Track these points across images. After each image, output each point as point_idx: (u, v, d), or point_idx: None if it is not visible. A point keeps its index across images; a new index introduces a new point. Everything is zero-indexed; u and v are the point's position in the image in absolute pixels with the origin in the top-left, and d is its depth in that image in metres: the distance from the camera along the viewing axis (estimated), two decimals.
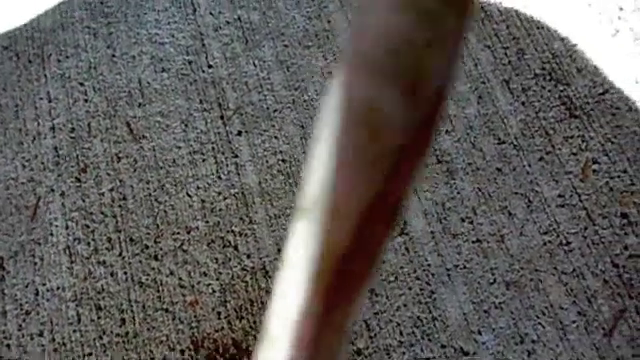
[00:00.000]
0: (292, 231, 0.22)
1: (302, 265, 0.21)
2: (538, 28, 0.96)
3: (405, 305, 0.79)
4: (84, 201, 0.86)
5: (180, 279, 0.81)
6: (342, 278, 0.21)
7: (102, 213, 0.85)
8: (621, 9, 0.97)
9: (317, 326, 0.21)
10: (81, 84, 0.94)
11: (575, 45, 0.95)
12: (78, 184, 0.87)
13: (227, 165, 0.88)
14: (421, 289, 0.80)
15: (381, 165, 0.19)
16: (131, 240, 0.83)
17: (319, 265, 0.20)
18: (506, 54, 0.95)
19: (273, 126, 0.91)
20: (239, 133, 0.90)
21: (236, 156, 0.88)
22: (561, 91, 0.92)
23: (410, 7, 0.18)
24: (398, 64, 0.18)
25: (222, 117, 0.91)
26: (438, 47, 0.18)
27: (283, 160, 0.88)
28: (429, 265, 0.82)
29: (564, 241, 0.83)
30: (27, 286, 0.81)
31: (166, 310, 0.79)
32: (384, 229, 0.21)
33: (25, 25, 0.98)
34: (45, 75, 0.95)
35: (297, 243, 0.21)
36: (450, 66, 0.19)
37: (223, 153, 0.89)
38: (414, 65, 0.18)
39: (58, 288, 0.81)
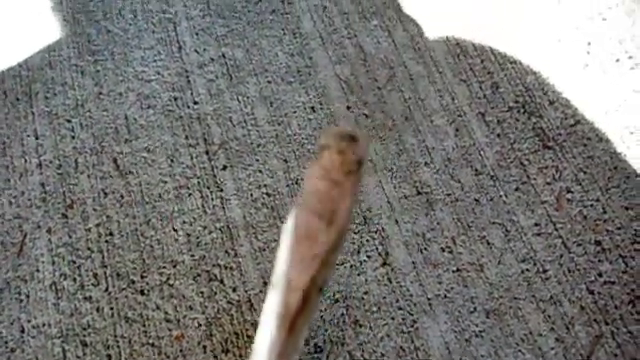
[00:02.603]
0: (267, 296, 0.37)
1: (272, 315, 0.36)
2: (511, 63, 1.01)
3: (388, 335, 0.81)
4: (70, 237, 0.87)
5: (166, 313, 0.82)
6: (294, 321, 0.36)
7: (88, 249, 0.86)
8: (589, 44, 1.02)
9: (280, 344, 0.37)
10: (68, 121, 0.96)
11: (547, 79, 0.99)
12: (65, 220, 0.88)
13: (212, 199, 0.90)
14: (403, 319, 0.82)
15: (314, 261, 0.35)
16: (117, 275, 0.84)
17: (281, 315, 0.36)
18: (481, 88, 0.99)
19: (257, 160, 0.93)
20: (224, 167, 0.92)
21: (221, 190, 0.90)
22: (534, 123, 0.96)
23: (326, 178, 0.35)
24: (324, 208, 0.34)
25: (207, 152, 0.93)
26: (344, 200, 0.35)
27: (267, 194, 0.90)
28: (411, 295, 0.83)
29: (541, 269, 0.85)
30: (12, 323, 0.81)
31: (152, 345, 0.80)
32: (317, 295, 0.37)
33: (13, 63, 1.00)
34: (32, 112, 0.96)
35: (270, 303, 0.37)
36: (351, 209, 0.35)
37: (208, 187, 0.91)
38: (332, 209, 0.35)
39: (44, 325, 0.81)
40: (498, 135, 0.95)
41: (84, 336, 0.80)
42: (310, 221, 0.34)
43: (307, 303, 0.35)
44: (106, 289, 0.83)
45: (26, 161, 0.92)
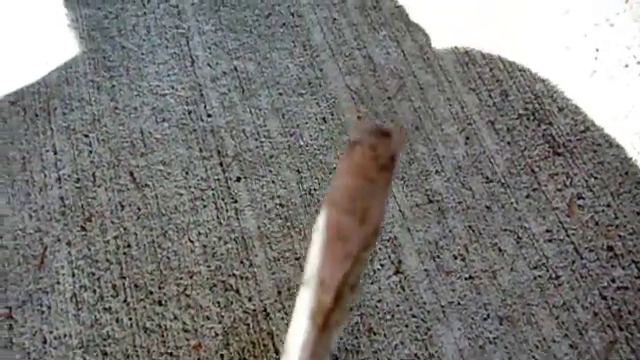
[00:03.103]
0: (299, 294, 0.38)
1: (305, 312, 0.36)
2: (520, 71, 1.02)
3: (402, 343, 0.82)
4: (89, 249, 0.89)
5: (184, 323, 0.83)
6: (326, 320, 0.36)
7: (107, 260, 0.88)
8: (597, 50, 1.02)
9: (313, 343, 0.37)
10: (86, 136, 0.98)
11: (556, 86, 1.00)
12: (84, 233, 0.90)
13: (227, 210, 0.91)
14: (417, 326, 0.83)
15: (347, 259, 0.34)
16: (136, 286, 0.86)
17: (314, 313, 0.36)
18: (490, 96, 1.00)
19: (270, 171, 0.94)
20: (238, 179, 0.94)
21: (235, 201, 0.92)
22: (544, 130, 0.96)
23: (360, 175, 0.34)
24: (355, 205, 0.34)
25: (221, 164, 0.95)
26: (377, 197, 0.34)
27: (281, 204, 0.92)
28: (424, 303, 0.84)
29: (553, 275, 0.86)
30: (35, 334, 0.83)
31: (170, 354, 0.81)
32: (349, 294, 0.37)
33: (31, 80, 1.03)
34: (51, 128, 0.99)
35: (302, 301, 0.37)
36: (384, 206, 0.35)
37: (223, 199, 0.92)
38: (364, 206, 0.34)
39: (65, 336, 0.83)
40: (508, 142, 0.96)
41: (104, 346, 0.82)
42: (342, 219, 0.33)
43: (340, 302, 0.35)
44: (125, 300, 0.85)
45: (45, 176, 0.95)
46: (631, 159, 0.93)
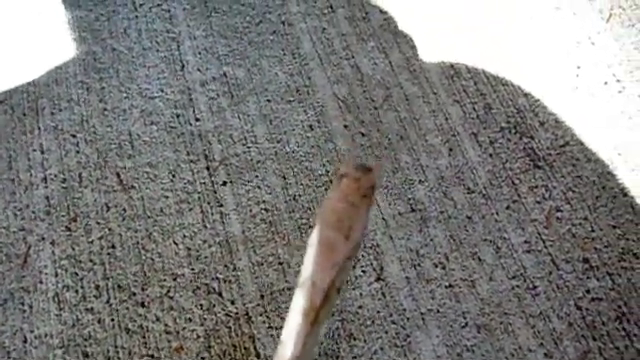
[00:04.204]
0: (295, 294, 0.44)
1: (298, 311, 0.44)
2: (503, 85, 1.04)
3: (382, 349, 0.83)
4: (74, 249, 0.89)
5: (166, 325, 0.84)
6: (317, 316, 0.43)
7: (91, 261, 0.88)
8: (578, 67, 1.05)
9: (305, 335, 0.43)
10: (73, 136, 0.99)
11: (538, 100, 1.03)
12: (68, 233, 0.90)
13: (212, 214, 0.92)
14: (397, 333, 0.84)
15: (334, 267, 0.42)
16: (119, 287, 0.86)
17: (306, 311, 0.43)
18: (474, 109, 1.02)
19: (256, 176, 0.96)
20: (224, 183, 0.95)
21: (221, 205, 0.93)
22: (526, 143, 0.99)
23: (346, 201, 0.43)
24: (342, 224, 0.42)
25: (208, 168, 0.96)
26: (359, 218, 0.42)
27: (266, 209, 0.93)
28: (404, 309, 0.86)
29: (531, 285, 0.88)
30: (15, 333, 0.83)
31: (152, 356, 0.82)
32: (335, 295, 0.45)
33: (20, 79, 1.03)
34: (39, 127, 0.99)
35: (297, 300, 0.44)
36: (365, 226, 0.43)
37: (209, 203, 0.93)
38: (349, 225, 0.42)
39: (46, 335, 0.83)
40: (490, 155, 0.98)
41: (85, 347, 0.82)
42: (331, 235, 0.42)
43: (328, 301, 0.43)
44: (107, 301, 0.85)
45: (31, 175, 0.95)
46: (608, 174, 0.96)
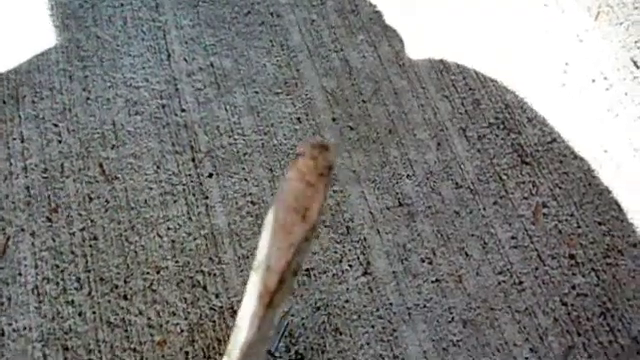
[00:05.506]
0: (250, 278, 0.44)
1: (254, 294, 0.42)
2: (492, 80, 1.04)
3: (368, 343, 0.82)
4: (54, 241, 0.87)
5: (149, 319, 0.82)
6: (271, 299, 0.42)
7: (72, 253, 0.86)
8: (567, 64, 1.06)
9: (259, 319, 0.42)
10: (55, 125, 0.96)
11: (526, 97, 1.03)
12: (49, 224, 0.88)
13: (197, 206, 0.91)
14: (383, 327, 0.84)
15: (290, 249, 0.41)
16: (101, 280, 0.85)
17: (261, 294, 0.42)
18: (463, 104, 1.02)
19: (243, 169, 0.94)
20: (210, 175, 0.93)
21: (206, 197, 0.91)
22: (513, 139, 0.99)
23: (302, 180, 0.41)
24: (299, 205, 0.41)
25: (193, 159, 0.95)
26: (316, 198, 0.41)
27: (252, 202, 0.92)
28: (391, 304, 0.85)
29: (517, 281, 0.88)
30: None
31: (134, 350, 0.80)
32: (291, 278, 0.43)
33: (0, 67, 1.01)
34: (19, 116, 0.96)
35: (252, 283, 0.43)
36: (322, 206, 0.41)
37: (194, 195, 0.92)
38: (306, 206, 0.41)
39: (25, 328, 0.81)
40: (478, 150, 0.98)
41: (65, 340, 0.80)
42: (287, 216, 0.41)
43: (283, 284, 0.42)
44: (89, 293, 0.84)
45: (11, 164, 0.92)
46: (594, 171, 0.96)
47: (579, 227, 0.92)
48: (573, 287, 0.88)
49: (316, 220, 0.41)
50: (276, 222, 0.41)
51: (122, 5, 1.08)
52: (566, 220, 0.92)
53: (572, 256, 0.90)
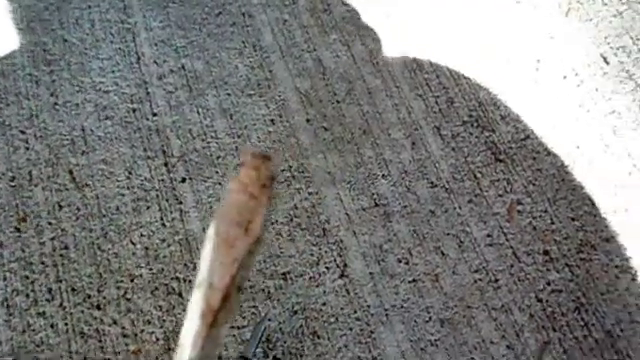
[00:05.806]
0: (192, 295, 0.41)
1: (197, 312, 0.40)
2: (465, 78, 1.04)
3: (346, 346, 0.82)
4: (24, 251, 0.85)
5: (123, 328, 0.81)
6: (215, 318, 0.40)
7: (42, 263, 0.84)
8: (538, 61, 1.06)
9: (202, 339, 0.40)
10: (22, 132, 0.94)
11: (499, 94, 1.03)
12: (17, 234, 0.86)
13: (171, 212, 0.89)
14: (361, 329, 0.83)
15: (234, 264, 0.39)
16: (73, 290, 0.83)
17: (204, 312, 0.40)
18: (437, 102, 1.02)
19: (217, 172, 0.93)
20: (183, 180, 0.92)
21: (180, 203, 0.90)
22: (487, 137, 0.99)
23: (244, 192, 0.40)
24: (242, 217, 0.40)
25: (166, 164, 0.93)
26: (259, 210, 0.40)
27: None
28: (368, 306, 0.85)
29: (493, 278, 0.88)
30: None
31: None
32: (236, 294, 0.42)
33: None
34: None
35: (194, 301, 0.41)
36: (265, 218, 0.41)
37: (167, 200, 0.90)
38: (248, 218, 0.40)
39: None
40: (452, 148, 0.98)
41: (37, 353, 0.79)
42: (230, 229, 0.40)
43: (227, 301, 0.41)
44: (61, 304, 0.82)
45: None
46: (567, 167, 0.97)
47: (553, 223, 0.93)
48: (548, 283, 0.88)
49: (260, 233, 0.41)
50: (218, 236, 0.40)
51: (89, 7, 1.06)
52: (540, 216, 0.93)
53: (546, 252, 0.91)
